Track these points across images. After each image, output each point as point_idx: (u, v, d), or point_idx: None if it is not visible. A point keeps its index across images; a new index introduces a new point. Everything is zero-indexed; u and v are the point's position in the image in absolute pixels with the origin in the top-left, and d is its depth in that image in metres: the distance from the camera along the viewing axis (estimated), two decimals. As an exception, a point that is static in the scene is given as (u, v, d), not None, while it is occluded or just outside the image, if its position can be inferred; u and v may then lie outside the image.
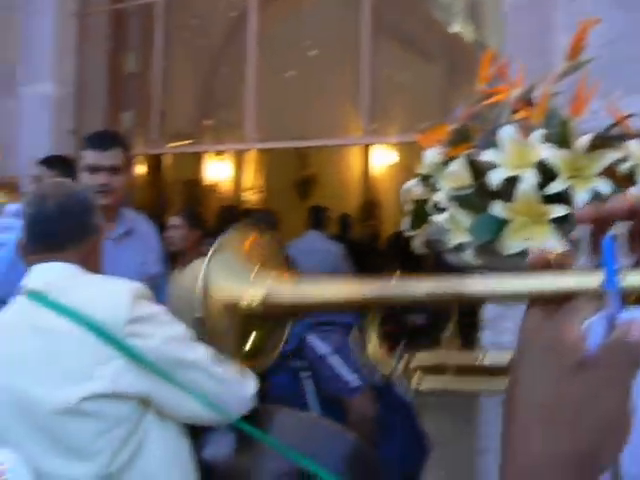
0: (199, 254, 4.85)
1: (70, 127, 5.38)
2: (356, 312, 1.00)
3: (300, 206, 10.20)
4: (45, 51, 5.31)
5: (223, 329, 0.78)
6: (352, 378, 2.98)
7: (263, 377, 2.11)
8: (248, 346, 0.80)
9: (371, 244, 10.56)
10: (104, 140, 3.13)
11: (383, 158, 12.08)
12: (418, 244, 2.72)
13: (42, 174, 3.61)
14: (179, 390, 1.85)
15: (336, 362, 3.01)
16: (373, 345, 1.06)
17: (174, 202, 9.77)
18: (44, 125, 5.30)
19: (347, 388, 2.98)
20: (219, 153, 10.38)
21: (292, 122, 6.20)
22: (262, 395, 2.05)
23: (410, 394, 1.09)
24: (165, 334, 1.87)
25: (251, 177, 11.66)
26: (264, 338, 0.82)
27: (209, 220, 9.63)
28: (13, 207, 3.95)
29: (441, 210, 2.48)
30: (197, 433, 2.00)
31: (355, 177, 12.37)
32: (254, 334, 0.80)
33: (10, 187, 5.02)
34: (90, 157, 3.05)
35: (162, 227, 7.08)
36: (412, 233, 2.70)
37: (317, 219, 6.68)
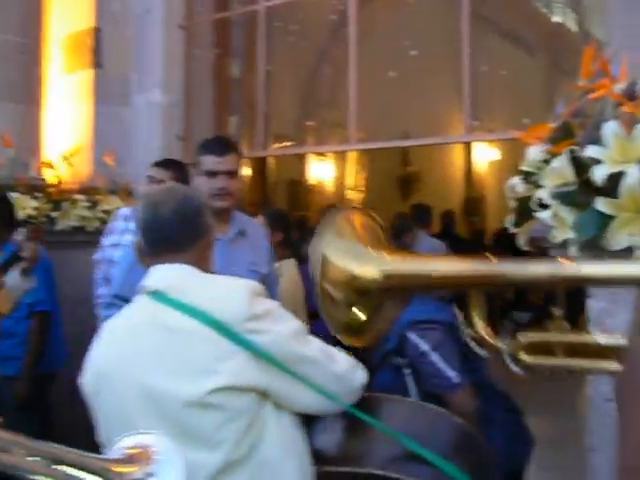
0: (281, 256, 4.89)
1: (179, 133, 5.58)
2: (468, 289, 1.02)
3: (403, 204, 10.20)
4: (155, 61, 5.53)
5: (338, 298, 0.82)
6: (453, 374, 3.01)
7: (370, 373, 2.17)
8: (356, 319, 0.85)
9: (476, 240, 10.48)
10: (222, 146, 3.25)
11: (486, 155, 11.96)
12: (523, 241, 2.72)
13: (156, 175, 3.78)
14: (295, 383, 1.93)
15: (436, 359, 3.03)
16: (480, 325, 1.12)
17: (278, 203, 9.95)
18: (155, 132, 5.52)
19: (448, 384, 3.00)
20: (321, 153, 10.50)
21: (394, 121, 6.23)
22: (368, 389, 2.13)
23: (516, 369, 1.12)
24: (281, 330, 1.95)
25: (353, 176, 11.74)
26: (371, 316, 0.87)
27: (312, 220, 9.78)
28: (124, 211, 4.15)
29: (545, 207, 2.48)
30: (309, 422, 2.07)
31: (458, 174, 12.27)
32: (365, 309, 0.85)
33: (124, 192, 5.26)
34: (209, 162, 3.17)
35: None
36: (516, 230, 2.70)
37: (420, 217, 6.68)
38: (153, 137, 5.51)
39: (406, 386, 3.08)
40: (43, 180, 5.20)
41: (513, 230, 2.70)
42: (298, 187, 10.72)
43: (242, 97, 6.19)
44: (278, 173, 9.75)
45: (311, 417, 2.08)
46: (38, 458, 0.96)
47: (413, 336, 3.08)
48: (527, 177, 2.59)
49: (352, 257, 0.85)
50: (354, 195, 11.75)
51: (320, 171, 11.17)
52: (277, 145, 6.56)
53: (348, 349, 2.09)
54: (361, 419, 2.01)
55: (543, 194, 2.44)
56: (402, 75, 5.09)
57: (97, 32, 5.57)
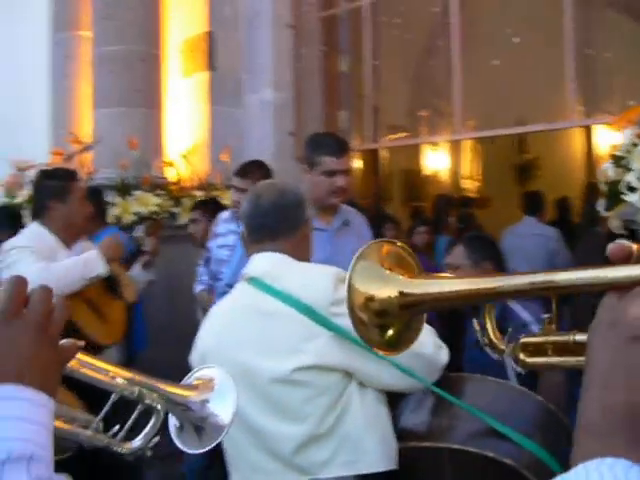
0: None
1: (290, 129, 5.79)
2: (475, 304, 1.18)
3: (519, 192, 10.04)
4: (265, 61, 5.76)
5: (366, 320, 0.98)
6: None
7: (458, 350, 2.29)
8: (388, 335, 0.99)
9: (594, 226, 10.20)
10: (339, 147, 3.43)
11: (606, 139, 11.62)
12: (615, 224, 2.75)
13: (239, 185, 3.98)
14: (377, 362, 2.06)
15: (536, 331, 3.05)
16: (491, 331, 1.28)
17: (392, 194, 10.03)
18: (267, 129, 5.75)
19: None
20: (435, 143, 10.48)
21: (506, 109, 6.22)
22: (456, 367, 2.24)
23: (519, 368, 1.31)
24: None
25: (468, 165, 11.66)
26: (401, 330, 1.01)
27: (427, 209, 9.81)
28: (224, 215, 4.37)
29: (633, 190, 2.51)
30: (394, 400, 2.21)
31: (576, 160, 11.96)
32: (393, 326, 0.99)
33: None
34: (328, 163, 3.35)
35: (379, 218, 7.36)
36: (607, 214, 2.74)
37: (532, 204, 6.65)
38: (266, 134, 5.75)
39: (504, 363, 3.13)
40: (165, 178, 5.52)
41: (604, 214, 2.74)
42: (412, 177, 10.73)
43: (351, 91, 6.34)
44: (391, 164, 9.81)
45: (397, 396, 2.22)
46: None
47: (516, 306, 3.10)
48: (618, 161, 2.62)
49: (373, 281, 0.99)
50: (469, 184, 11.67)
51: (434, 161, 11.15)
52: (390, 137, 6.66)
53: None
54: (444, 397, 2.13)
55: (631, 178, 2.48)
56: (507, 62, 5.09)
57: (211, 36, 5.86)
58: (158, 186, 5.32)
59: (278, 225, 2.28)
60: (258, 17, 5.80)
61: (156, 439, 1.20)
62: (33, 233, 3.52)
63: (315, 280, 2.16)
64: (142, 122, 5.50)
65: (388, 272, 0.97)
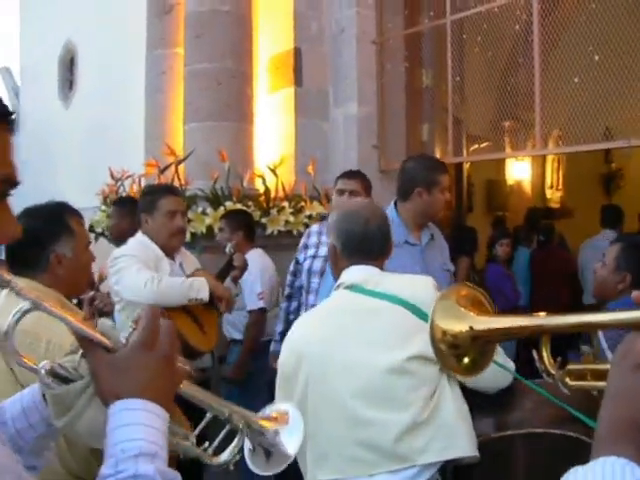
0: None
1: (374, 142, 5.95)
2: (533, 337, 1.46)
3: (603, 203, 9.91)
4: (350, 76, 5.95)
5: (444, 350, 1.21)
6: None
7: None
8: (464, 362, 1.22)
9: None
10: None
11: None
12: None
13: (345, 187, 4.16)
14: None
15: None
16: (546, 359, 1.69)
17: (477, 204, 10.04)
18: (351, 142, 5.93)
19: None
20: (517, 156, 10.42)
21: (588, 121, 6.22)
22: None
23: (565, 390, 1.75)
24: None
25: (553, 175, 11.56)
26: (476, 357, 1.22)
27: (516, 219, 9.78)
28: (315, 228, 4.53)
29: None
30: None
31: (665, 170, 11.70)
32: (467, 354, 1.21)
33: (325, 199, 5.71)
34: (446, 182, 3.64)
35: (461, 230, 7.43)
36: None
37: (610, 217, 6.64)
38: (350, 147, 5.93)
39: None
40: (254, 190, 5.75)
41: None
42: (496, 188, 10.71)
43: (433, 106, 6.46)
44: (475, 175, 9.83)
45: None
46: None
47: None
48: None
49: (450, 317, 1.22)
50: (554, 194, 11.58)
51: (518, 171, 11.10)
52: (473, 147, 6.73)
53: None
54: (513, 395, 2.42)
55: None
56: (590, 78, 5.13)
57: (297, 52, 6.08)
58: (247, 197, 5.55)
59: (382, 249, 2.55)
60: (343, 33, 5.99)
61: (239, 456, 1.39)
62: (139, 243, 3.78)
63: (414, 283, 2.45)
64: (231, 136, 5.75)
65: (463, 310, 1.17)
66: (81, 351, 1.25)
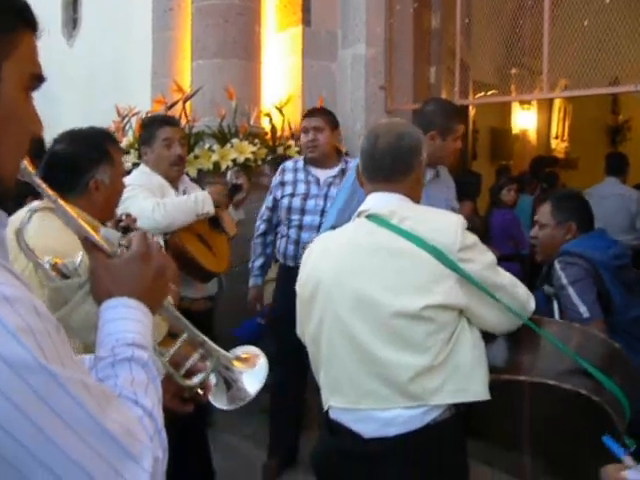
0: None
1: (381, 83, 5.94)
2: None
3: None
4: (358, 17, 5.90)
5: None
6: (584, 309, 3.16)
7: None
8: None
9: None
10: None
11: None
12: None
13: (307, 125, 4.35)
14: (489, 304, 2.30)
15: (572, 292, 3.20)
16: None
17: (479, 151, 10.05)
18: (359, 83, 5.91)
19: (579, 318, 3.14)
20: (525, 102, 10.39)
21: (598, 68, 6.18)
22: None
23: None
24: (484, 260, 2.32)
25: (559, 124, 11.53)
26: None
27: (520, 168, 9.78)
28: (289, 163, 4.58)
29: None
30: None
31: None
32: None
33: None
34: (460, 130, 3.67)
35: (465, 174, 7.46)
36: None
37: (615, 165, 6.66)
38: (357, 87, 5.92)
39: (553, 312, 3.29)
40: (261, 128, 5.77)
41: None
42: (501, 136, 10.69)
43: (441, 48, 6.43)
44: (481, 121, 9.80)
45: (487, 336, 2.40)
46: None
47: (558, 267, 3.26)
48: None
49: None
50: (559, 145, 11.55)
51: (524, 119, 11.07)
52: (479, 95, 6.71)
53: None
54: (527, 339, 2.38)
55: None
56: (600, 21, 5.09)
57: (306, -9, 6.03)
58: (254, 135, 5.56)
59: (392, 168, 2.41)
60: (353, -27, 5.93)
61: (210, 381, 1.55)
62: (142, 173, 3.86)
63: (443, 225, 2.31)
64: (239, 73, 5.73)
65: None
66: (81, 253, 1.38)
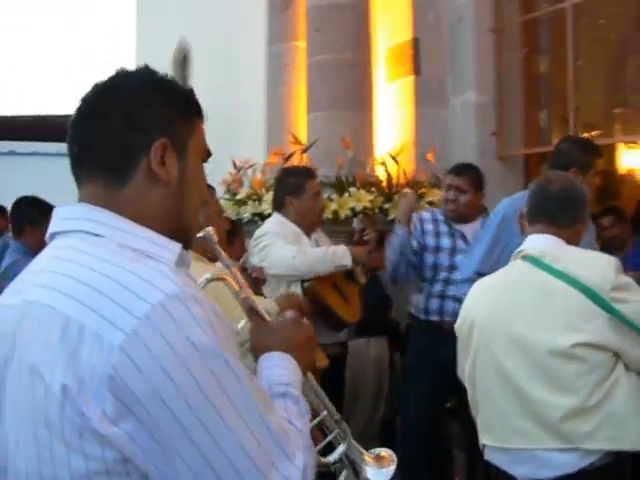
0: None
1: (492, 129, 6.00)
2: None
3: None
4: (468, 64, 6.01)
5: None
6: None
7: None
8: None
9: None
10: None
11: None
12: None
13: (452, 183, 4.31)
14: None
15: None
16: None
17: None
18: (470, 130, 5.99)
19: None
20: (632, 142, 10.19)
21: None
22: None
23: None
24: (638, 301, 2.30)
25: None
26: None
27: (628, 210, 9.54)
28: (424, 214, 4.55)
29: None
30: None
31: None
32: None
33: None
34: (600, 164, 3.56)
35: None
36: None
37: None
38: (469, 134, 5.99)
39: None
40: (376, 177, 5.90)
41: None
42: (608, 176, 10.47)
43: (551, 92, 6.44)
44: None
45: None
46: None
47: None
48: None
49: None
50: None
51: (631, 159, 10.82)
52: (586, 134, 6.68)
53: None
54: None
55: None
56: None
57: (415, 42, 6.18)
58: (370, 184, 5.70)
59: (559, 210, 2.46)
60: (461, 22, 6.05)
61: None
62: (277, 222, 4.01)
63: (597, 264, 2.34)
64: (353, 124, 5.91)
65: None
66: (244, 320, 1.56)
